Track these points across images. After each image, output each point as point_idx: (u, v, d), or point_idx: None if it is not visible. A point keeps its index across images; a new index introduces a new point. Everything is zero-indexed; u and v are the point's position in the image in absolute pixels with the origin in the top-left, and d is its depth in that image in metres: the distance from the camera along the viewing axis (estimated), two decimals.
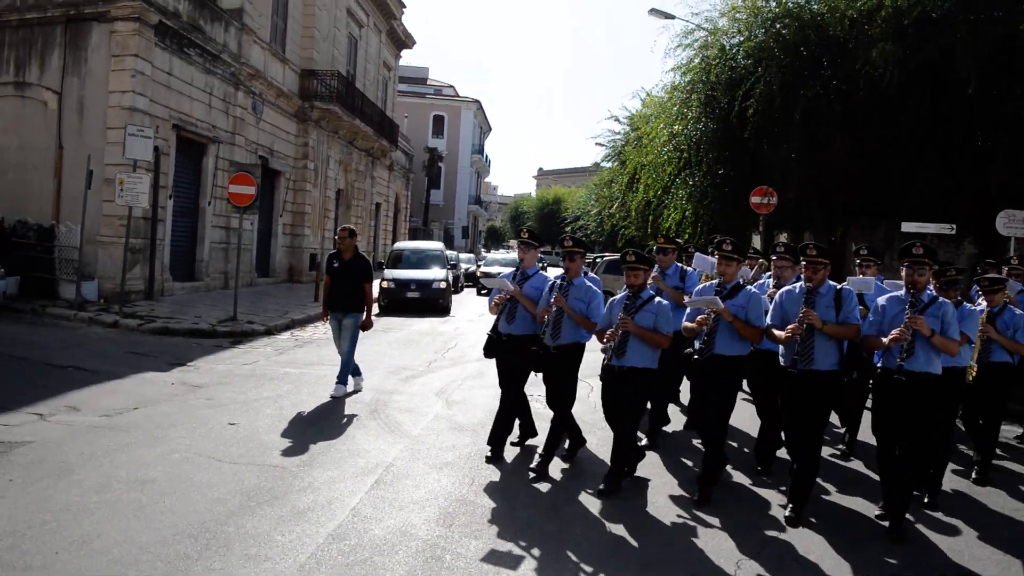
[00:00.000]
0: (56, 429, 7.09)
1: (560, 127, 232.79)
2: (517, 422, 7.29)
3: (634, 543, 5.23)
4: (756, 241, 21.40)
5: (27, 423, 7.23)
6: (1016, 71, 14.41)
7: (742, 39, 18.38)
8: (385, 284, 19.99)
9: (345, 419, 8.19)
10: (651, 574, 4.77)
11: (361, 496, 5.69)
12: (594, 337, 6.55)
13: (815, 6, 17.69)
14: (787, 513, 5.79)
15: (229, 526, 4.97)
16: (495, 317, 7.04)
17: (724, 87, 18.03)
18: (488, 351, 7.06)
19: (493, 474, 6.52)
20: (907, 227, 15.17)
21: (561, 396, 6.70)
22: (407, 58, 42.39)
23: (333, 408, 8.73)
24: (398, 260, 21.82)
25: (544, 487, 6.30)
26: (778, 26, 17.38)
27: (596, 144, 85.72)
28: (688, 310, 6.42)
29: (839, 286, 6.00)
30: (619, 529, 5.44)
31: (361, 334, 9.71)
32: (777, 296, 6.25)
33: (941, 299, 5.80)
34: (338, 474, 6.18)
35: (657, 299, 6.30)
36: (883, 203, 16.91)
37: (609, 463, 6.36)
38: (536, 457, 6.72)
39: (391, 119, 36.30)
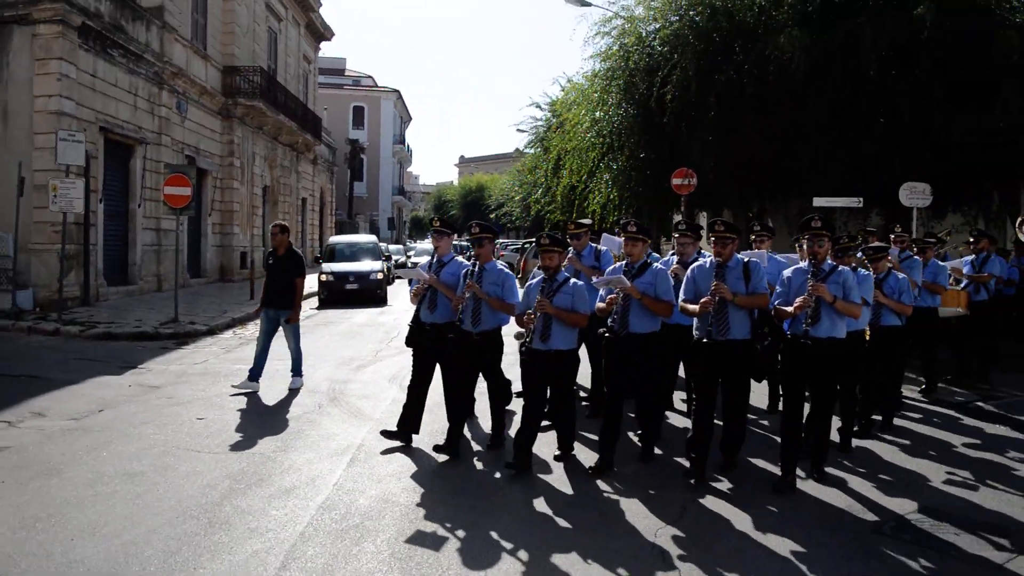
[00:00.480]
0: (29, 434, 7.33)
1: (481, 114, 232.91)
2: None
3: (558, 518, 5.38)
4: (678, 219, 22.24)
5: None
6: (914, 55, 15.52)
7: (658, 26, 19.13)
8: (324, 277, 20.28)
9: (309, 408, 8.61)
10: (571, 542, 4.96)
11: (340, 473, 6.17)
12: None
13: None
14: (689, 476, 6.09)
15: (225, 506, 5.40)
16: (415, 307, 7.06)
17: (643, 73, 18.78)
18: (410, 341, 7.08)
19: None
20: (818, 202, 16.11)
21: (493, 379, 6.93)
22: (325, 49, 42.16)
23: (293, 399, 9.12)
24: (333, 254, 22.09)
25: (480, 465, 6.67)
26: (691, 13, 18.21)
27: (518, 131, 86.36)
28: (600, 291, 6.60)
29: (747, 259, 6.32)
30: (542, 503, 5.65)
31: (302, 328, 10.07)
32: (689, 271, 6.47)
33: (841, 267, 6.17)
34: (314, 456, 6.64)
35: (573, 280, 6.41)
36: (795, 181, 17.94)
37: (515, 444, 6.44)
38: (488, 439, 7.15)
39: (314, 113, 36.24)
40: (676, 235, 7.28)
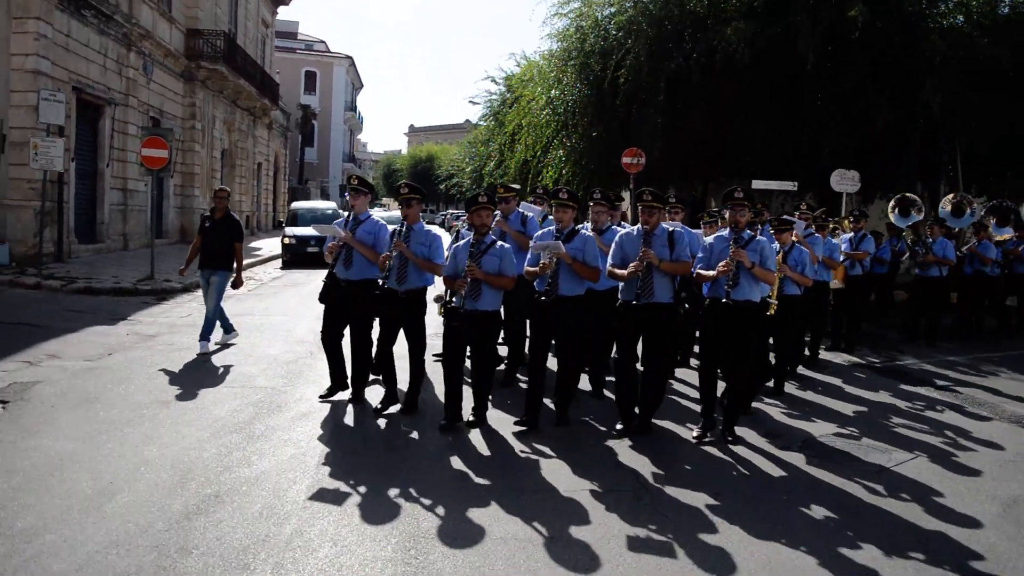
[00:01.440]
0: (53, 371, 8.19)
1: (432, 85, 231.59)
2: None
3: (478, 477, 5.50)
4: (628, 196, 23.52)
5: (21, 369, 8.28)
6: (847, 51, 16.93)
7: (614, 11, 20.26)
8: (287, 240, 21.13)
9: (301, 354, 9.59)
10: (487, 498, 5.10)
11: (345, 406, 7.21)
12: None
13: None
14: (618, 427, 6.52)
15: (257, 424, 6.45)
16: (330, 263, 7.09)
17: (597, 56, 19.91)
18: (324, 297, 7.15)
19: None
20: (757, 184, 17.41)
21: (416, 339, 6.90)
22: (280, 13, 42.17)
23: (288, 346, 10.08)
24: (295, 219, 22.89)
25: (382, 423, 6.77)
26: (645, 0, 19.35)
27: (471, 102, 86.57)
28: (529, 254, 6.74)
29: (671, 228, 6.64)
30: (459, 462, 5.78)
31: (271, 289, 10.64)
32: (617, 238, 6.69)
33: (758, 236, 6.55)
34: (317, 391, 7.65)
35: (499, 243, 6.61)
36: (736, 163, 19.34)
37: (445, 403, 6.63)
38: (383, 402, 7.00)
39: (271, 77, 36.53)
40: (591, 203, 7.44)
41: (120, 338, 10.31)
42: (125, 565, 3.93)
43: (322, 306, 7.31)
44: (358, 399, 7.18)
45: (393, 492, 5.09)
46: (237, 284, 10.11)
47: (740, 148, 18.32)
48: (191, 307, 13.36)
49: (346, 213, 7.35)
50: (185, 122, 25.78)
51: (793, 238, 8.42)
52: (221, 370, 8.59)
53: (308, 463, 5.56)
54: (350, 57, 69.01)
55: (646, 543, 4.46)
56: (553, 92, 22.20)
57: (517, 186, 10.31)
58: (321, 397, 7.26)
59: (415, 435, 6.41)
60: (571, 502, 5.04)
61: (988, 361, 10.96)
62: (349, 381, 7.35)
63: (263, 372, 8.51)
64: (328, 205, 25.50)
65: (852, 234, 12.14)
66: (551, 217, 8.12)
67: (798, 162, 18.25)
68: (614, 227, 7.77)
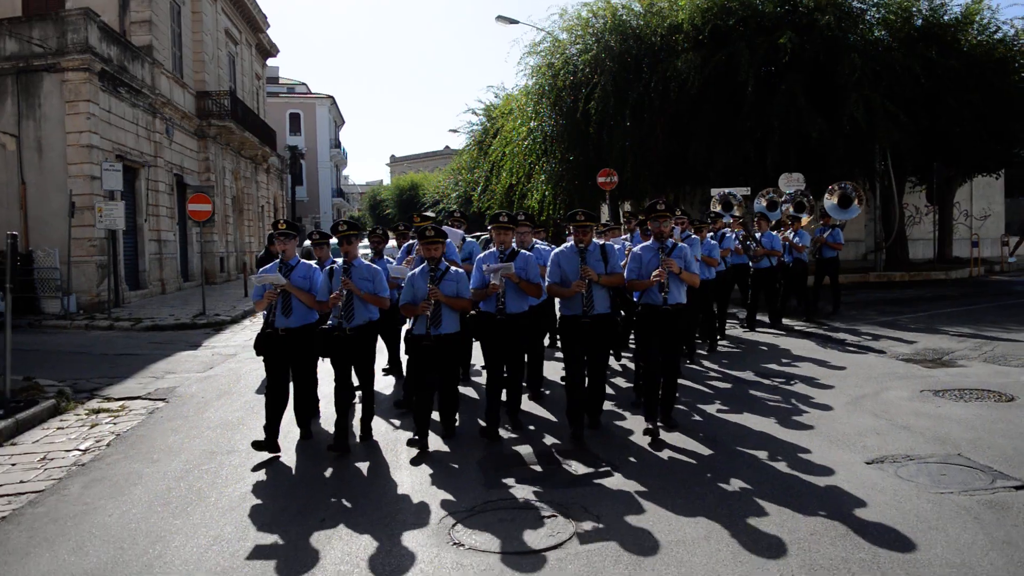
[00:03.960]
0: (178, 381, 10.71)
1: (409, 113, 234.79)
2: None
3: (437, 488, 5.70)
4: (605, 211, 26.28)
5: (152, 381, 10.79)
6: (780, 73, 19.82)
7: (580, 48, 23.11)
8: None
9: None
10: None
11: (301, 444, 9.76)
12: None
13: (634, 22, 22.68)
14: (573, 433, 6.78)
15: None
16: (267, 312, 6.82)
17: (569, 89, 22.78)
18: (261, 347, 6.91)
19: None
20: (715, 191, 20.10)
21: (366, 373, 7.01)
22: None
23: None
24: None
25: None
26: (607, 37, 22.17)
27: (450, 131, 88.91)
28: (474, 277, 6.95)
29: (602, 243, 6.96)
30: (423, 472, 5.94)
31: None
32: (553, 256, 6.95)
33: (680, 244, 6.94)
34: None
35: (453, 268, 6.76)
36: (694, 173, 22.18)
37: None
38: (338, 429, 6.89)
39: (268, 125, 39.21)
40: (491, 226, 7.37)
41: (208, 358, 12.87)
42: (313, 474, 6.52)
43: None
44: (308, 435, 7.30)
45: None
46: None
47: (699, 161, 21.14)
48: (248, 333, 15.91)
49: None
50: (201, 175, 28.40)
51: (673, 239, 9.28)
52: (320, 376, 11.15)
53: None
54: (331, 96, 71.77)
55: (588, 532, 4.68)
56: (532, 123, 25.04)
57: (432, 214, 10.54)
58: (254, 444, 6.76)
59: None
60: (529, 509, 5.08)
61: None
62: (296, 425, 7.38)
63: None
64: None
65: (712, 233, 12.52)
66: (469, 239, 9.32)
67: (749, 169, 21.08)
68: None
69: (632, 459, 6.25)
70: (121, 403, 9.27)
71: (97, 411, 8.83)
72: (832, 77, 19.72)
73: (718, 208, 16.29)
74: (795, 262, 13.79)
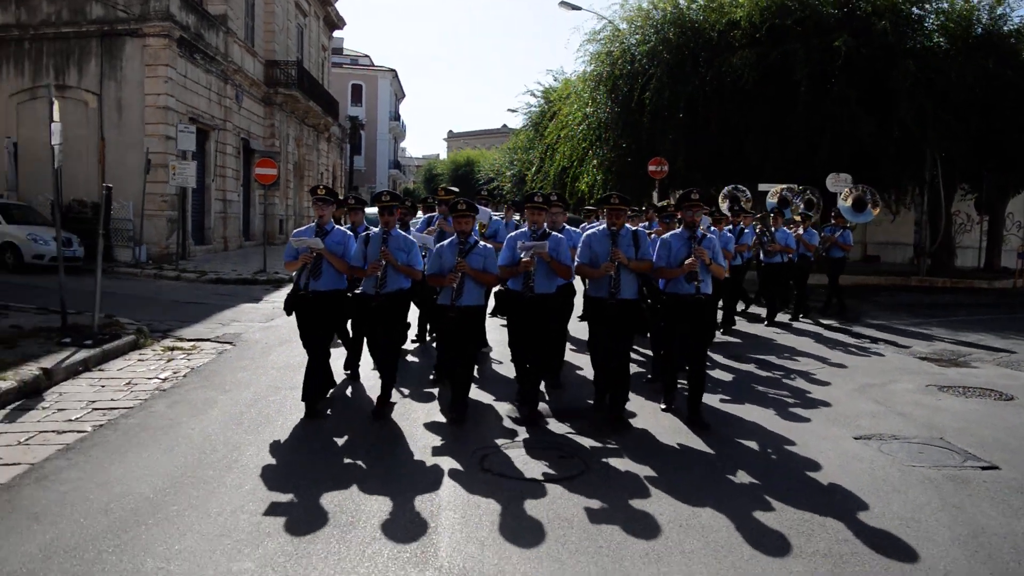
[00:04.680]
0: (242, 328, 11.68)
1: (468, 90, 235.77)
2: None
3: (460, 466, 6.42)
4: (655, 199, 26.75)
5: (219, 327, 11.78)
6: (834, 75, 20.11)
7: (638, 39, 23.58)
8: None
9: None
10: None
11: None
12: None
13: (693, 15, 23.07)
14: (610, 411, 6.82)
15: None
16: (296, 274, 6.97)
17: (626, 78, 23.27)
18: (292, 308, 6.96)
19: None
20: (762, 187, 20.53)
21: (399, 339, 7.07)
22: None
23: None
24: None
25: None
26: (666, 29, 22.63)
27: (508, 111, 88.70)
28: (503, 255, 6.84)
29: (635, 228, 6.96)
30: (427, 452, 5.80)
31: None
32: (585, 237, 6.99)
33: (708, 235, 6.91)
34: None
35: (481, 243, 6.83)
36: (745, 168, 22.56)
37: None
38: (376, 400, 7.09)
39: (332, 96, 40.32)
40: (527, 206, 7.10)
41: (269, 311, 13.81)
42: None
43: None
44: (313, 414, 6.94)
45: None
46: None
47: (749, 156, 21.54)
48: None
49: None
50: (266, 141, 29.56)
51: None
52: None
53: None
54: (393, 70, 72.87)
55: (593, 513, 4.72)
56: (587, 109, 25.59)
57: (456, 189, 10.83)
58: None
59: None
60: (535, 484, 5.20)
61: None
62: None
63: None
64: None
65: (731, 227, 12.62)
66: (495, 218, 9.73)
67: (799, 167, 21.43)
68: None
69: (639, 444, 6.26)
70: (192, 343, 10.27)
71: (171, 348, 9.83)
72: (885, 82, 19.95)
73: (725, 204, 16.11)
74: (800, 259, 13.96)
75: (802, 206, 15.53)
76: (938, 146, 20.30)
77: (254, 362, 9.18)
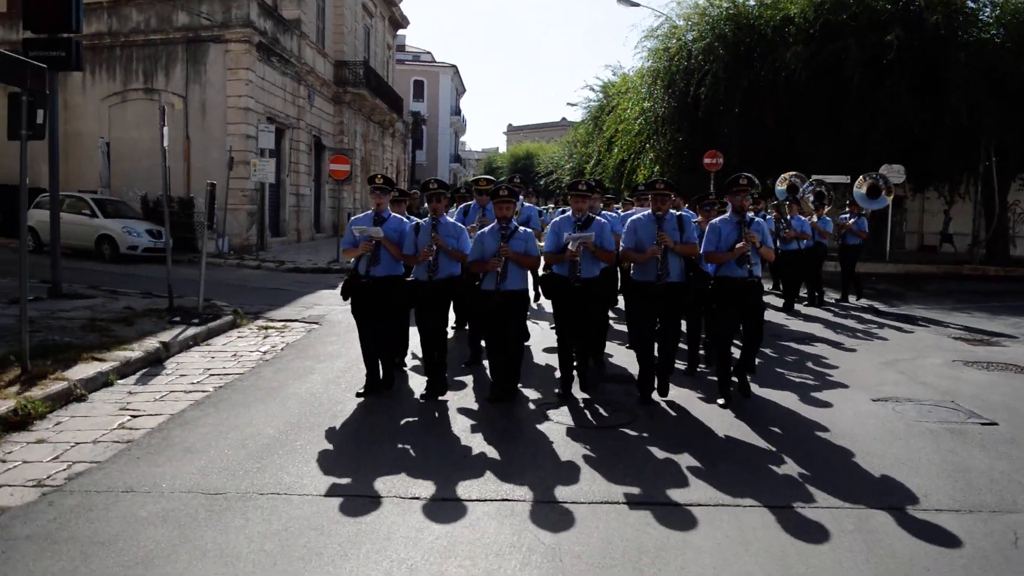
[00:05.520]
0: (324, 311, 12.84)
1: (527, 85, 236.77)
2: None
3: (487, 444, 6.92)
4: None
5: (303, 311, 12.98)
6: (886, 70, 20.52)
7: (695, 35, 24.24)
8: None
9: None
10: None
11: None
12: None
13: (748, 11, 23.65)
14: (658, 395, 7.06)
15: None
16: (354, 260, 7.19)
17: (682, 73, 23.98)
18: (348, 292, 7.19)
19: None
20: (815, 177, 21.05)
21: (442, 325, 7.11)
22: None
23: None
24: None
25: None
26: (722, 25, 23.26)
27: (568, 104, 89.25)
28: (547, 243, 7.08)
29: (679, 213, 7.02)
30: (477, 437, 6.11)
31: None
32: (630, 222, 7.08)
33: (757, 219, 7.02)
34: None
35: (521, 228, 6.97)
36: (798, 162, 23.07)
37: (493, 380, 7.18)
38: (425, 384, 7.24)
39: (396, 93, 41.70)
40: (571, 194, 7.21)
41: None
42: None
43: None
44: (375, 388, 7.29)
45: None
46: None
47: (802, 150, 22.08)
48: None
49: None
50: (335, 137, 31.00)
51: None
52: None
53: None
54: (454, 66, 74.17)
55: (628, 496, 4.80)
56: (645, 104, 26.34)
57: (491, 177, 11.12)
58: (359, 394, 7.18)
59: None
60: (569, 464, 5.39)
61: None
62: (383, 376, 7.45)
63: None
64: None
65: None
66: (527, 205, 10.06)
67: (852, 159, 21.92)
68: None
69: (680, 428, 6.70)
70: (283, 323, 11.49)
71: (265, 328, 11.04)
72: (938, 72, 20.30)
73: (783, 187, 16.23)
74: (816, 245, 14.04)
75: (812, 198, 15.44)
76: (991, 135, 20.55)
77: (340, 338, 10.29)
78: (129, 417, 6.44)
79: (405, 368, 8.47)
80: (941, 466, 5.41)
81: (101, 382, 7.44)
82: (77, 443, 5.71)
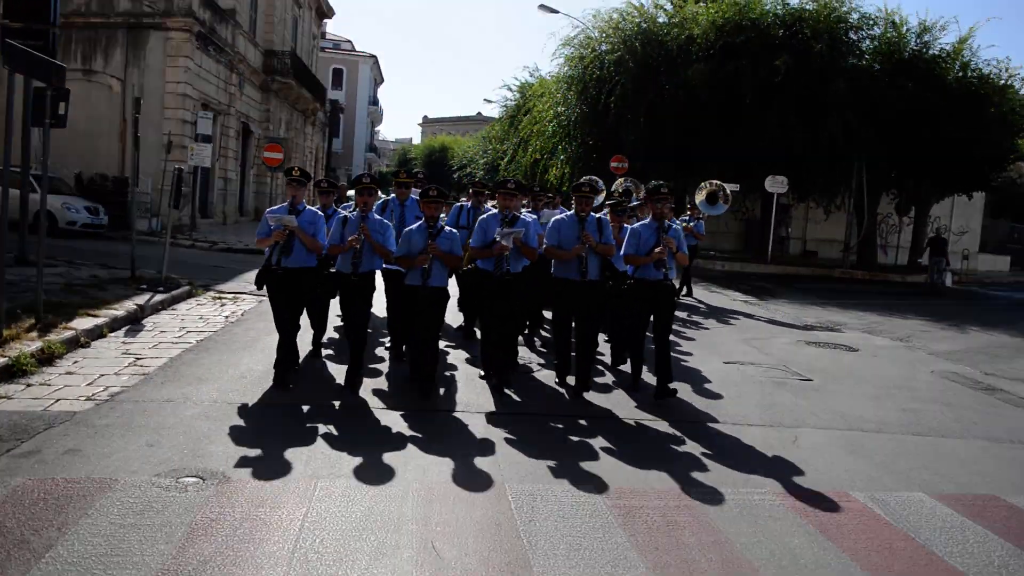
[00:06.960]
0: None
1: (444, 78, 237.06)
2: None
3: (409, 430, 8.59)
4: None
5: (247, 285, 14.06)
6: (776, 91, 23.06)
7: (608, 48, 26.40)
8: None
9: None
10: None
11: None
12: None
13: (657, 29, 25.93)
14: (576, 386, 7.42)
15: None
16: (268, 250, 7.19)
17: (595, 82, 26.10)
18: (262, 282, 7.28)
19: None
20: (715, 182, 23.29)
21: (364, 317, 7.25)
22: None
23: None
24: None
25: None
26: (633, 39, 25.44)
27: (485, 100, 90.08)
28: (475, 238, 7.36)
29: (599, 216, 7.48)
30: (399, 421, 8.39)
31: None
32: (554, 222, 7.49)
33: (673, 225, 7.52)
34: None
35: (447, 228, 7.17)
36: (696, 168, 25.50)
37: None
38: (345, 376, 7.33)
39: (320, 83, 42.71)
40: (499, 192, 7.58)
41: None
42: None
43: None
44: (284, 383, 7.22)
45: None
46: None
47: (701, 157, 24.49)
48: None
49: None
50: (262, 124, 32.02)
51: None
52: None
53: None
54: (374, 56, 75.06)
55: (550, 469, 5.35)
56: (559, 108, 28.41)
57: (419, 171, 11.58)
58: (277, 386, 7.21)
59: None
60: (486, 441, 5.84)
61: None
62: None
63: None
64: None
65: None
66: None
67: (742, 169, 24.45)
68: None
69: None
70: (233, 295, 12.97)
71: (219, 298, 12.53)
72: (819, 97, 22.99)
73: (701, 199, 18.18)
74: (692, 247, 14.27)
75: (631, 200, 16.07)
76: (863, 155, 23.38)
77: None
78: (134, 359, 7.97)
79: (324, 351, 8.92)
80: (758, 400, 7.54)
81: (97, 334, 8.89)
82: (102, 374, 7.24)
